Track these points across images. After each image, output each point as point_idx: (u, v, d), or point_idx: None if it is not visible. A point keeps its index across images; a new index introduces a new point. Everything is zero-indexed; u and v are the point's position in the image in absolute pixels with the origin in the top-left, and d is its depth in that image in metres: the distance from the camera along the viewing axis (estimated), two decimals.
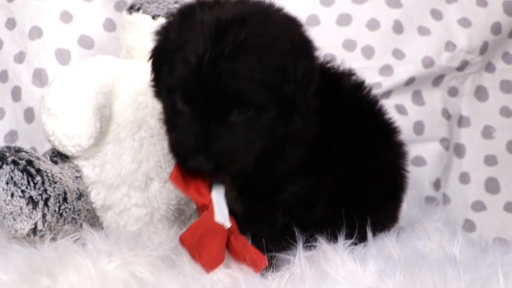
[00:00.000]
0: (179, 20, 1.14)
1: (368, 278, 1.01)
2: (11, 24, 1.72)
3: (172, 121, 1.13)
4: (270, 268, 1.06)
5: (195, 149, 1.04)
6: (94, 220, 1.37)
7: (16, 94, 1.72)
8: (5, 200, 1.20)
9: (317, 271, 1.01)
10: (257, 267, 1.05)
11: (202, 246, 1.04)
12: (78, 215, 1.31)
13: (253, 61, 1.04)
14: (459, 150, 1.83)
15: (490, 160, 1.81)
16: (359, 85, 1.30)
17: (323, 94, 1.16)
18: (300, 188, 1.17)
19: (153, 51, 1.18)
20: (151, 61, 1.19)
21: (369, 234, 1.18)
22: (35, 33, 1.70)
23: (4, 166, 1.21)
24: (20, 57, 1.71)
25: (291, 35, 1.12)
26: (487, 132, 1.83)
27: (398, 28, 1.81)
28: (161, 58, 1.14)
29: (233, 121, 1.06)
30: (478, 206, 1.79)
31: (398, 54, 1.80)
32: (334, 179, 1.21)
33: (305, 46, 1.14)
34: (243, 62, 1.03)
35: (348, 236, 1.17)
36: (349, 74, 1.30)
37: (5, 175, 1.20)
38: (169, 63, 1.10)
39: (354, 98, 1.28)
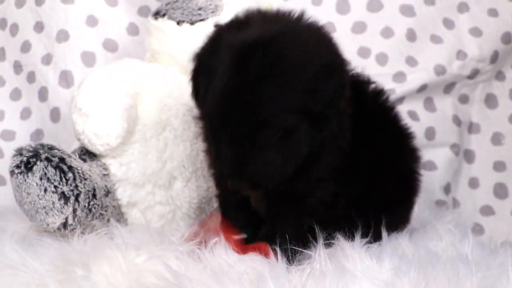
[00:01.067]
0: (208, 44, 1.15)
1: (384, 274, 1.05)
2: (39, 27, 1.78)
3: (210, 141, 1.15)
4: (293, 263, 1.12)
5: (230, 174, 1.09)
6: (119, 217, 1.42)
7: (43, 94, 1.77)
8: (38, 195, 1.26)
9: (337, 266, 1.05)
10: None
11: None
12: (105, 211, 1.37)
13: (279, 88, 1.03)
14: (468, 156, 1.88)
15: (499, 166, 1.85)
16: (379, 92, 1.35)
17: (352, 102, 1.21)
18: (326, 193, 1.22)
19: (191, 73, 1.20)
20: (191, 82, 1.21)
21: (384, 233, 1.23)
22: (62, 36, 1.76)
23: (38, 162, 1.26)
24: (47, 59, 1.76)
25: (320, 54, 1.10)
26: (496, 139, 1.87)
27: (411, 36, 1.85)
28: (198, 81, 1.18)
29: (262, 143, 1.06)
30: (487, 211, 1.83)
31: (411, 61, 1.85)
32: (357, 183, 1.25)
33: (336, 63, 1.13)
34: (268, 91, 1.03)
35: (364, 235, 1.21)
36: (368, 82, 1.34)
37: (39, 171, 1.26)
38: (203, 88, 1.12)
39: (375, 105, 1.32)
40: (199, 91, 1.17)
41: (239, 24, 1.12)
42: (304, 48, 1.08)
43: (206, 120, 1.15)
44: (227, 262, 1.06)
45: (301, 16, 1.15)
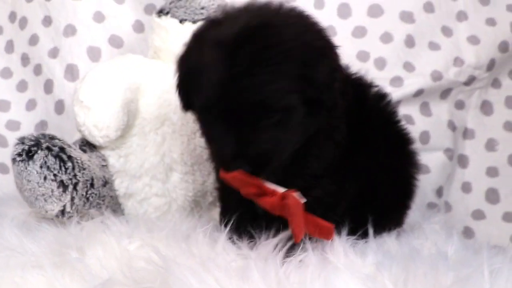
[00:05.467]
0: (194, 43, 1.19)
1: (366, 268, 1.09)
2: (47, 21, 1.83)
3: (209, 134, 1.19)
4: (278, 254, 1.15)
5: (233, 156, 1.11)
6: (116, 207, 1.47)
7: (48, 87, 1.82)
8: (38, 183, 1.31)
9: (320, 258, 1.09)
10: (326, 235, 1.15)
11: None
12: (102, 200, 1.42)
13: (272, 73, 1.07)
14: (462, 161, 1.90)
15: (492, 172, 1.88)
16: (382, 96, 1.37)
17: (352, 103, 1.24)
18: (323, 193, 1.24)
19: (177, 82, 1.23)
20: (177, 90, 1.23)
21: (370, 230, 1.25)
22: (69, 30, 1.81)
23: (39, 151, 1.31)
24: (54, 53, 1.82)
25: (307, 41, 1.12)
26: (490, 145, 1.89)
27: (410, 42, 1.89)
28: (186, 86, 1.20)
29: (263, 125, 1.10)
30: (478, 215, 1.86)
31: (408, 67, 1.88)
32: (356, 186, 1.27)
33: (324, 48, 1.15)
34: (262, 76, 1.06)
35: (352, 233, 1.23)
36: (371, 85, 1.37)
37: (39, 159, 1.31)
38: (195, 87, 1.15)
39: (377, 108, 1.34)
40: (188, 96, 1.20)
41: (220, 21, 1.17)
42: (293, 33, 1.12)
43: (203, 113, 1.18)
44: (215, 250, 1.10)
45: (281, 5, 1.18)
